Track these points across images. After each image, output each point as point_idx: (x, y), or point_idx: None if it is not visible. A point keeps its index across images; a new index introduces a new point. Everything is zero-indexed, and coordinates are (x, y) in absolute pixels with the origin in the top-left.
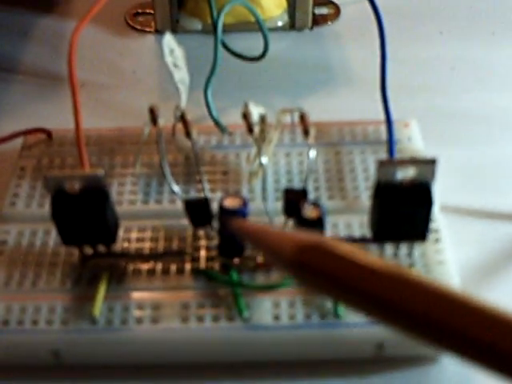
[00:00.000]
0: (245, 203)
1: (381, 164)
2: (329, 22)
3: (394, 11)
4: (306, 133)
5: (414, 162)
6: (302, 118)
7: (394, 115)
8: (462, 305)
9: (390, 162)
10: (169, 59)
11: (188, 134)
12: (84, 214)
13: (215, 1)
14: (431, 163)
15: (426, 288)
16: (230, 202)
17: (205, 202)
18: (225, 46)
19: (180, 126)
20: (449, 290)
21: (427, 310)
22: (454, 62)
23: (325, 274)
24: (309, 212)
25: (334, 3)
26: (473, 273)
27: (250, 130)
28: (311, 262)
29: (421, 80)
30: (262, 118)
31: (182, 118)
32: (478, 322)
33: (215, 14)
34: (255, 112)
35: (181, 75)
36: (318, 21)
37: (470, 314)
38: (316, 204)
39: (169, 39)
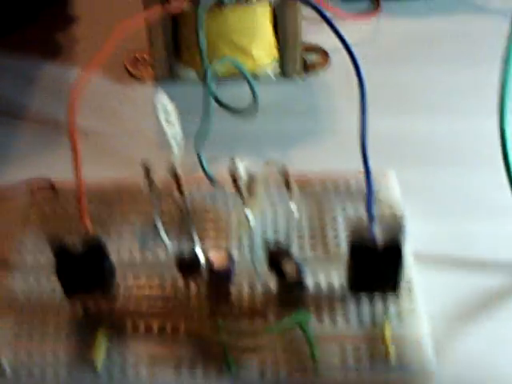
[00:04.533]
0: (231, 259)
1: (353, 226)
2: (318, 70)
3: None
4: (287, 186)
5: (384, 222)
6: (285, 174)
7: (375, 164)
8: None
9: (361, 224)
10: (161, 116)
11: (180, 191)
12: (84, 270)
13: (207, 54)
14: (400, 224)
15: None
16: (217, 258)
17: (194, 257)
18: (217, 100)
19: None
20: None
21: None
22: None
23: None
24: (289, 269)
25: (322, 50)
26: (444, 321)
27: (236, 186)
28: None
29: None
30: (249, 173)
31: (175, 175)
32: None
33: (208, 74)
34: (242, 167)
35: (173, 131)
36: (307, 68)
37: None
38: (296, 262)
39: (161, 96)
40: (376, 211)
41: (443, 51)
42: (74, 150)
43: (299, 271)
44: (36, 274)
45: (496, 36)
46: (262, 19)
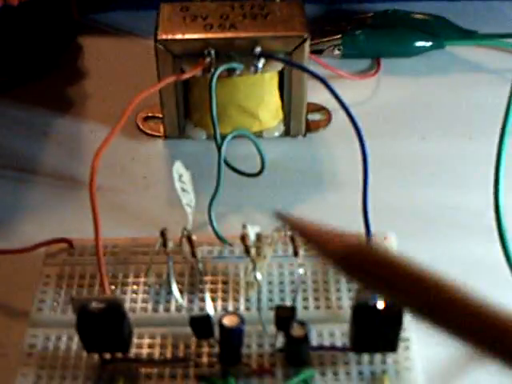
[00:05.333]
0: (242, 321)
1: (358, 291)
2: (321, 128)
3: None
4: (295, 253)
5: None
6: (293, 238)
7: (375, 223)
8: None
9: (364, 290)
10: (178, 185)
11: (193, 255)
12: (103, 329)
13: (218, 120)
14: None
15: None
16: (229, 321)
17: (207, 319)
18: (227, 163)
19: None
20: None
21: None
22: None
23: (368, 270)
24: (296, 331)
25: (325, 109)
26: (439, 377)
27: (247, 251)
28: (357, 261)
29: (400, 187)
30: (258, 237)
31: (189, 239)
32: None
33: (218, 138)
34: (252, 232)
35: (188, 199)
36: (310, 127)
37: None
38: (302, 323)
39: (178, 166)
40: None
41: (440, 109)
42: (94, 213)
43: (306, 331)
44: (55, 330)
45: (491, 95)
46: (270, 85)
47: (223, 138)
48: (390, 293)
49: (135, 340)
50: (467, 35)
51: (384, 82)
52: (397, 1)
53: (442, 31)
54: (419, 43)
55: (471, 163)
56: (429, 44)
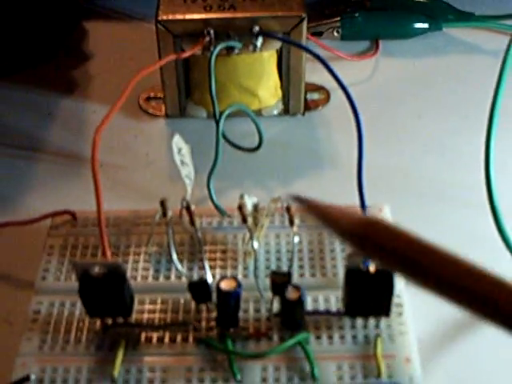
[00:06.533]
0: (239, 285)
1: (349, 256)
2: (320, 107)
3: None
4: (291, 222)
5: None
6: (288, 208)
7: (371, 198)
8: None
9: (356, 254)
10: (177, 157)
11: (192, 223)
12: (105, 293)
13: (217, 98)
14: None
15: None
16: (226, 284)
17: (205, 284)
18: (225, 138)
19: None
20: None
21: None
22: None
23: (379, 245)
24: (291, 294)
25: (324, 89)
26: (431, 341)
27: (244, 220)
28: (370, 235)
29: (396, 162)
30: (255, 207)
31: (188, 209)
32: None
33: (217, 114)
34: (249, 202)
35: (187, 171)
36: (309, 106)
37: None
38: (297, 287)
39: (177, 140)
40: None
41: (436, 89)
42: (96, 185)
43: (300, 295)
44: (59, 297)
45: (487, 76)
46: (269, 63)
47: (222, 113)
48: (401, 266)
49: (136, 306)
50: (464, 17)
51: (382, 63)
52: None
53: (440, 13)
54: (417, 25)
55: (465, 140)
56: (426, 26)
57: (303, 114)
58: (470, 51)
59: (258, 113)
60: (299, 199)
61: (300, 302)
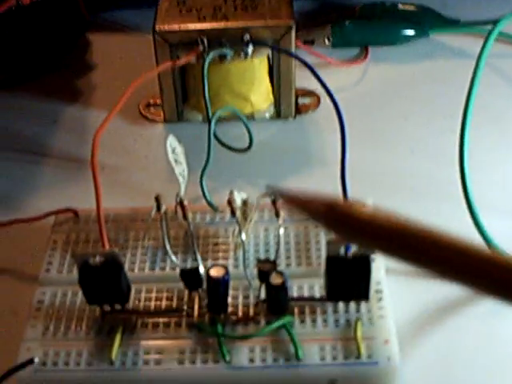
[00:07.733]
0: (227, 272)
1: (329, 242)
2: (310, 111)
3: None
4: (277, 215)
5: None
6: (274, 202)
7: (357, 194)
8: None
9: (336, 241)
10: (171, 156)
11: (185, 217)
12: (103, 281)
13: (210, 102)
14: None
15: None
16: (215, 271)
17: (196, 271)
18: (217, 139)
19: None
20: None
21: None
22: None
23: (343, 221)
24: (275, 279)
25: (315, 93)
26: (409, 325)
27: (233, 213)
28: (334, 214)
29: (384, 161)
30: (244, 202)
31: (181, 204)
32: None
33: (211, 117)
34: (238, 198)
35: (181, 169)
36: (300, 110)
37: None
38: (281, 273)
39: (171, 139)
40: None
41: (423, 93)
42: (96, 183)
43: (284, 281)
44: (61, 288)
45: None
46: (260, 70)
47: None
48: (368, 242)
49: (133, 295)
50: (450, 24)
51: (372, 69)
52: None
53: (427, 21)
54: (405, 32)
55: (448, 140)
56: (414, 33)
57: (294, 118)
58: (455, 56)
59: (251, 117)
60: (274, 189)
61: (284, 287)
